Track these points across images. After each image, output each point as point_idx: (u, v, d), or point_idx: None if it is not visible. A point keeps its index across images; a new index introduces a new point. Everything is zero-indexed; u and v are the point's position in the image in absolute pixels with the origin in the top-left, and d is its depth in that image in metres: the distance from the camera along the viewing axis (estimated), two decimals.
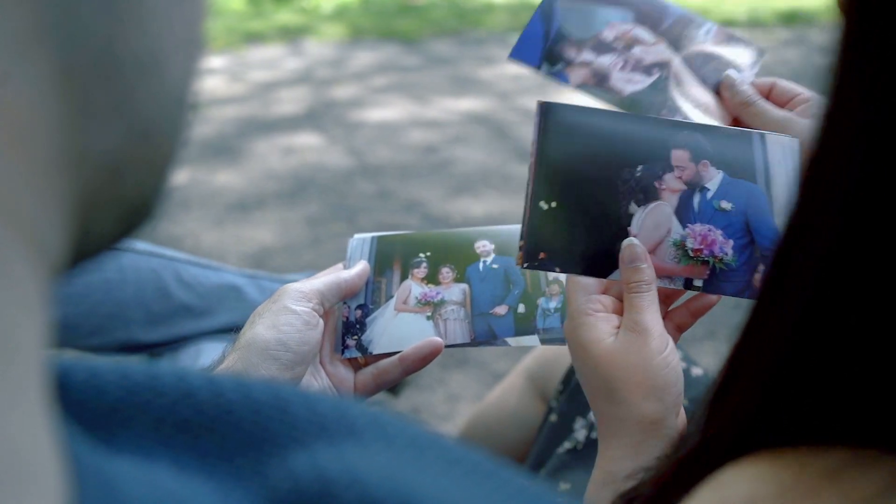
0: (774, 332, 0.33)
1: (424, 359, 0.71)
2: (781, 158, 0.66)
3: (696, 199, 0.64)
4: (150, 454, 0.22)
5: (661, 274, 0.64)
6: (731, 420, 0.35)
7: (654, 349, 0.60)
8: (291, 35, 5.61)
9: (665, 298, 0.67)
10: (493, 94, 4.20)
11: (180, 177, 3.05)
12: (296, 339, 0.64)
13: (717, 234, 0.64)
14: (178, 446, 0.22)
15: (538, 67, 0.72)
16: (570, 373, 1.00)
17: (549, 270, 0.66)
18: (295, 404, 0.23)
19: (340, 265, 0.75)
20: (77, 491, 0.18)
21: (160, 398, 0.23)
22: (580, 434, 0.95)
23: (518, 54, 0.71)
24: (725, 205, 0.65)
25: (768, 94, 0.73)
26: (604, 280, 0.65)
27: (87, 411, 0.22)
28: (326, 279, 0.70)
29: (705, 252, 0.64)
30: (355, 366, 0.73)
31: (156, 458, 0.22)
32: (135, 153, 0.22)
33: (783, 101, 0.72)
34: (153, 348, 1.27)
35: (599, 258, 0.64)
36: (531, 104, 3.48)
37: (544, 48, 0.72)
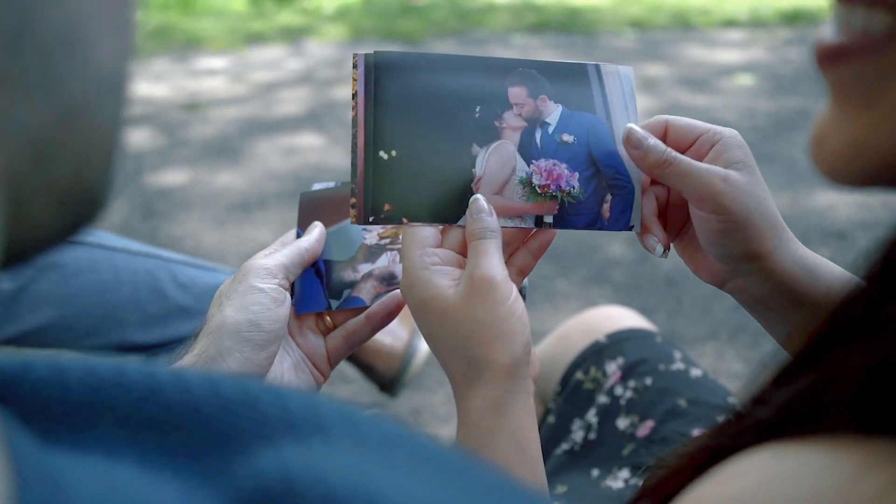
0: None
1: (391, 314, 0.70)
2: (619, 87, 0.67)
3: (538, 134, 0.64)
4: (116, 452, 0.21)
5: (510, 214, 0.63)
6: (807, 397, 0.34)
7: (500, 297, 0.58)
8: (293, 36, 5.61)
9: (505, 246, 0.64)
10: None
11: (181, 177, 3.05)
12: (267, 318, 0.62)
13: (563, 168, 0.64)
14: (144, 444, 0.22)
15: (329, 308, 0.70)
16: (568, 374, 0.99)
17: (397, 223, 0.63)
18: (264, 400, 0.22)
19: (293, 232, 0.73)
20: (18, 490, 0.17)
21: (126, 395, 0.22)
22: (577, 435, 0.94)
23: (304, 308, 0.69)
24: (567, 138, 0.65)
25: (664, 137, 0.65)
26: (439, 234, 0.63)
27: (51, 408, 0.22)
28: (289, 252, 0.67)
29: (552, 187, 0.64)
30: (324, 331, 0.72)
31: (121, 457, 0.21)
32: (64, 135, 0.21)
33: (687, 144, 0.65)
34: (149, 350, 1.27)
35: (447, 204, 0.63)
36: None
37: (324, 289, 0.71)
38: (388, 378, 1.51)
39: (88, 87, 0.22)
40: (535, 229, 0.65)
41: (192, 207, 2.80)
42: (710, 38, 5.66)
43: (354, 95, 0.62)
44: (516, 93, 0.64)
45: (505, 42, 5.40)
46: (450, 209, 0.63)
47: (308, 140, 3.48)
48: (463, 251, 0.63)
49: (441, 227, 0.63)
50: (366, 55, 0.63)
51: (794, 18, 6.20)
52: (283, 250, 0.68)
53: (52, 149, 0.21)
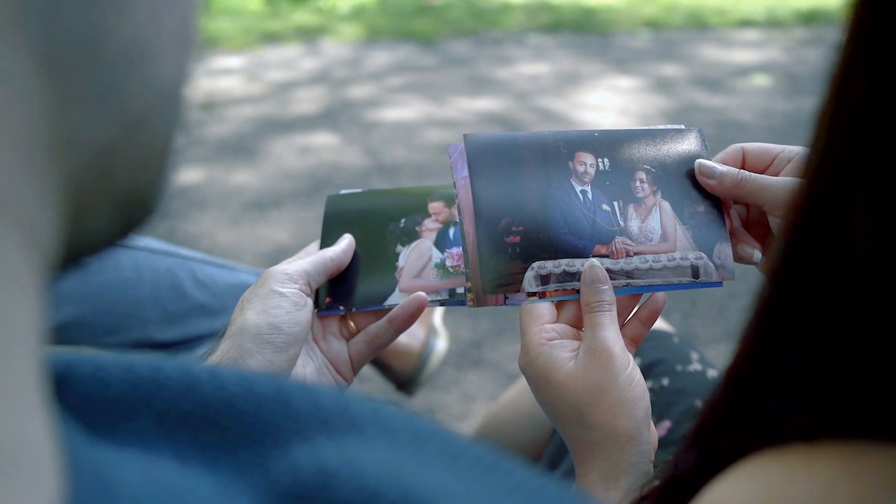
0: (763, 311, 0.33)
1: (412, 316, 0.71)
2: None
3: (452, 230, 0.77)
4: (154, 447, 0.22)
5: (428, 290, 0.73)
6: (720, 408, 0.35)
7: (619, 366, 0.61)
8: (308, 35, 5.63)
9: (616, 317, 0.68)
10: (510, 93, 4.20)
11: (197, 176, 3.07)
12: (286, 321, 0.64)
13: None
14: (181, 439, 0.22)
15: (350, 310, 0.75)
16: None
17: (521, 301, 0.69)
18: (297, 398, 0.23)
19: (316, 243, 0.76)
20: (71, 482, 0.18)
21: (164, 391, 0.23)
22: None
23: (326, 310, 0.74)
24: None
25: (743, 163, 0.70)
26: (555, 310, 0.67)
27: (91, 404, 0.22)
28: (312, 259, 0.70)
29: (462, 267, 0.74)
30: (347, 336, 0.73)
31: (159, 451, 0.22)
32: (125, 145, 0.22)
33: (764, 165, 0.69)
34: (169, 347, 1.28)
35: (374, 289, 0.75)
36: (547, 104, 3.46)
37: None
38: (404, 377, 1.51)
39: (151, 99, 0.22)
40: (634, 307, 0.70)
41: (207, 206, 2.82)
42: (726, 38, 5.63)
43: (454, 185, 0.70)
44: (435, 206, 0.79)
45: (519, 42, 5.40)
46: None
47: (323, 139, 3.49)
48: (577, 324, 0.66)
49: (556, 301, 0.67)
50: (464, 140, 0.71)
51: (810, 18, 6.17)
52: (308, 258, 0.70)
53: (114, 158, 0.21)
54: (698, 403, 0.89)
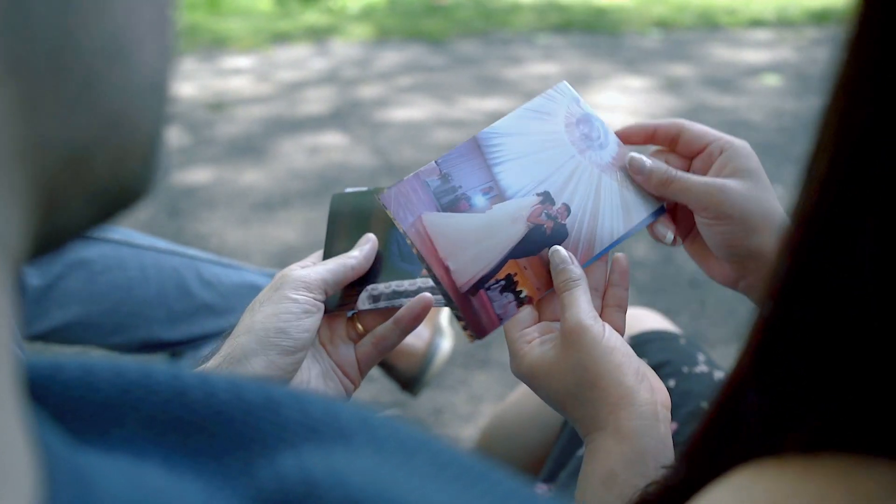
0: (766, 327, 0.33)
1: (418, 317, 0.71)
2: None
3: None
4: (142, 452, 0.22)
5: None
6: (729, 419, 0.35)
7: (594, 339, 0.62)
8: (318, 35, 5.63)
9: (593, 291, 0.69)
10: (519, 94, 4.20)
11: (206, 176, 3.08)
12: (295, 328, 0.64)
13: None
14: (169, 444, 0.22)
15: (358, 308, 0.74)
16: None
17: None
18: (286, 406, 0.23)
19: (320, 252, 0.76)
20: (49, 487, 0.18)
21: (153, 396, 0.23)
22: None
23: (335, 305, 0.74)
24: None
25: (676, 143, 0.71)
26: (534, 313, 0.68)
27: (80, 408, 0.22)
28: (334, 267, 0.69)
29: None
30: (354, 339, 0.73)
31: (146, 456, 0.22)
32: (105, 141, 0.21)
33: (695, 151, 0.70)
34: (175, 346, 1.28)
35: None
36: None
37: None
38: (408, 377, 1.51)
39: (130, 93, 0.22)
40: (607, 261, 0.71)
41: (216, 206, 2.82)
42: (737, 38, 5.61)
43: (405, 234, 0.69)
44: None
45: (529, 42, 5.39)
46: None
47: (332, 139, 3.50)
48: (558, 318, 0.67)
49: (535, 301, 0.69)
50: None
51: (822, 18, 6.14)
52: (329, 264, 0.69)
53: (91, 155, 0.21)
54: (704, 405, 0.89)
